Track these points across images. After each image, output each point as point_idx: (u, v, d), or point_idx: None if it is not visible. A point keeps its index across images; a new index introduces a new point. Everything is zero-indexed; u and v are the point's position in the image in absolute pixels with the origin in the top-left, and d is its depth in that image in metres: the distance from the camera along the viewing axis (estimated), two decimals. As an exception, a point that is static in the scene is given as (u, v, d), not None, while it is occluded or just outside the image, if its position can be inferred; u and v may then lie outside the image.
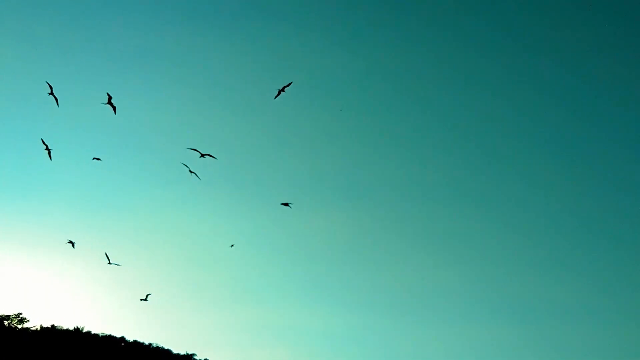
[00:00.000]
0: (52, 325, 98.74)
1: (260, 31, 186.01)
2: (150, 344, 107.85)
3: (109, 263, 50.11)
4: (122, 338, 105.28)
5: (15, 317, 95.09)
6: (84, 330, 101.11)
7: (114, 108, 39.59)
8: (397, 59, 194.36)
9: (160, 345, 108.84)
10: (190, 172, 41.93)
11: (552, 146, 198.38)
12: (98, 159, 42.62)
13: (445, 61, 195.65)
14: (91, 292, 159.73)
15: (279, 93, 39.64)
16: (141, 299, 52.51)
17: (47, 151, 40.11)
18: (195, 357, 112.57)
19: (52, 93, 39.38)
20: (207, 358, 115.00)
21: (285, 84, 39.88)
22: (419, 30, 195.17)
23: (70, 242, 46.41)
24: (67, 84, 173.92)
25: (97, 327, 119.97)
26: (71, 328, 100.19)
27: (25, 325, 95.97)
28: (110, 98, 39.39)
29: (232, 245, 52.06)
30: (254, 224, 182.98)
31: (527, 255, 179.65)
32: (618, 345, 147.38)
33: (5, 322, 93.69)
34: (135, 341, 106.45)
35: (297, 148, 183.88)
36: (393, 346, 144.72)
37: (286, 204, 43.34)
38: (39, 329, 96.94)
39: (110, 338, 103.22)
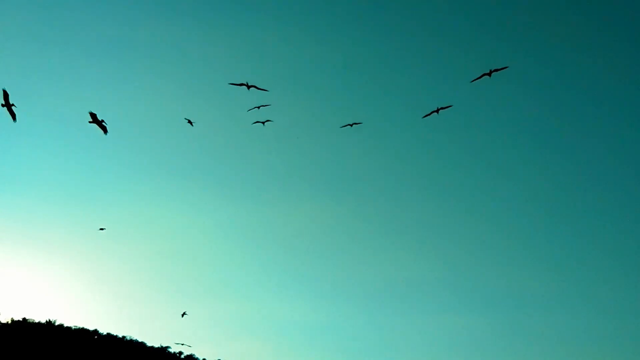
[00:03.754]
0: (24, 319, 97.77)
1: (238, 24, 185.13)
2: (124, 337, 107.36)
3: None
4: (95, 331, 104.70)
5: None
6: (56, 324, 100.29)
7: (104, 128, 33.37)
8: (378, 52, 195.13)
9: (134, 338, 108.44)
10: None
11: (530, 140, 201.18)
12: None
13: (427, 55, 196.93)
14: (64, 285, 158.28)
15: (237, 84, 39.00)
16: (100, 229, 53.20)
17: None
18: (170, 349, 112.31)
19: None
20: (182, 350, 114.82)
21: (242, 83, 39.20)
22: (399, 24, 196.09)
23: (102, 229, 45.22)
24: (41, 77, 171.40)
25: (70, 320, 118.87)
26: (43, 321, 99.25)
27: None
28: (95, 118, 33.05)
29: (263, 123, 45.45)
30: (233, 218, 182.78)
31: (504, 247, 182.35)
32: (595, 335, 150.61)
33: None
34: (108, 334, 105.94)
35: (276, 142, 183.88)
36: (373, 338, 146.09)
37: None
38: (9, 322, 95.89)
39: (83, 331, 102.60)
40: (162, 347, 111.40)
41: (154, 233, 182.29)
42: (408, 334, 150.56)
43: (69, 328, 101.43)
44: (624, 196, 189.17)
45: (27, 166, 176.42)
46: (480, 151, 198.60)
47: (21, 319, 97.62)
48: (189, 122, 46.73)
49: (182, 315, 57.63)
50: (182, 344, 60.02)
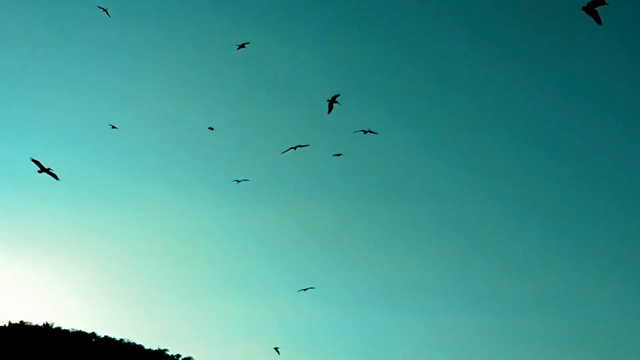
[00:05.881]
0: (21, 322, 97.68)
1: (234, 25, 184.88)
2: (121, 340, 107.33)
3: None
4: (93, 334, 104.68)
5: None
6: (54, 327, 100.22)
7: (54, 175, 33.43)
8: (373, 52, 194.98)
9: (132, 341, 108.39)
10: None
11: (528, 142, 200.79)
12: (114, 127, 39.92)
13: (428, 57, 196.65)
14: (61, 288, 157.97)
15: (331, 106, 38.04)
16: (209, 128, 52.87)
17: None
18: (167, 352, 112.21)
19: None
20: (179, 353, 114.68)
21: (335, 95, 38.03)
22: (395, 24, 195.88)
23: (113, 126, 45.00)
24: (41, 77, 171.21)
25: (67, 323, 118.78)
26: (40, 324, 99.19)
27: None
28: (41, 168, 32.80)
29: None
30: (233, 219, 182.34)
31: (503, 248, 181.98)
32: (595, 335, 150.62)
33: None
34: (106, 337, 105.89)
35: (274, 141, 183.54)
36: (374, 338, 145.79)
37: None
38: (7, 325, 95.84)
39: (80, 334, 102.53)
40: (159, 349, 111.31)
41: (152, 235, 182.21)
42: (409, 335, 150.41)
43: (66, 331, 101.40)
44: (622, 197, 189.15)
45: (26, 167, 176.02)
46: (477, 152, 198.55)
47: (18, 322, 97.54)
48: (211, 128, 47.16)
49: (304, 289, 52.86)
50: (306, 289, 52.82)
